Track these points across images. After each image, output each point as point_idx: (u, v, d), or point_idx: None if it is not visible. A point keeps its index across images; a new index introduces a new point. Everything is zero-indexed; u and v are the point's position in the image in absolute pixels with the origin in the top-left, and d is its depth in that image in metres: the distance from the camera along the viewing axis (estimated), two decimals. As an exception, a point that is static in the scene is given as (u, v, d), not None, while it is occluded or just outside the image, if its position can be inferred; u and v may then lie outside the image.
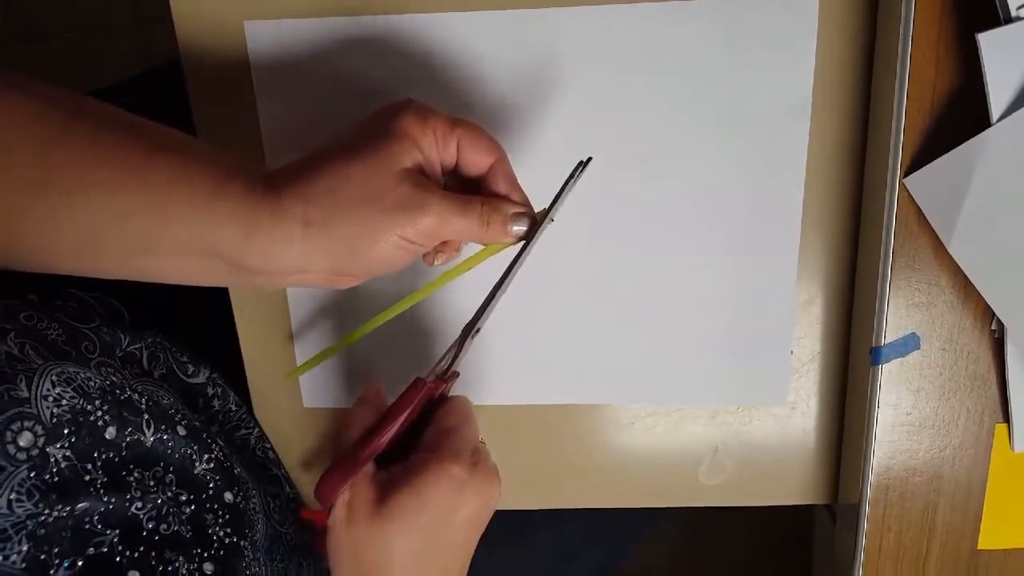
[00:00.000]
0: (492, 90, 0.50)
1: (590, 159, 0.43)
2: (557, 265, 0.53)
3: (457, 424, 0.41)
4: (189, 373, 0.55)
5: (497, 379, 0.56)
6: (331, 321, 0.56)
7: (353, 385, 0.57)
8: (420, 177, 0.37)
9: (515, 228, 0.40)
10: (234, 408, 0.57)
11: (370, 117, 0.39)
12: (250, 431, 0.58)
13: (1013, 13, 0.41)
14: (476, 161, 0.40)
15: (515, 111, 0.51)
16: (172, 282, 0.40)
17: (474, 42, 0.49)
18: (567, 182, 0.43)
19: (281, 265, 0.37)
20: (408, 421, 0.41)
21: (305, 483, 0.60)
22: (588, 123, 0.50)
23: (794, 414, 0.55)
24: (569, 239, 0.53)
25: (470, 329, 0.44)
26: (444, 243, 0.42)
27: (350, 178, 0.36)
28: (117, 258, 0.38)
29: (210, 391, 0.56)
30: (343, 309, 0.55)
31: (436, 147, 0.38)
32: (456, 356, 0.44)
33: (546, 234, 0.42)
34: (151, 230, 0.36)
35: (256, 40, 0.50)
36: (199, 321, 0.57)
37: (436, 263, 0.43)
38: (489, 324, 0.54)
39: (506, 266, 0.42)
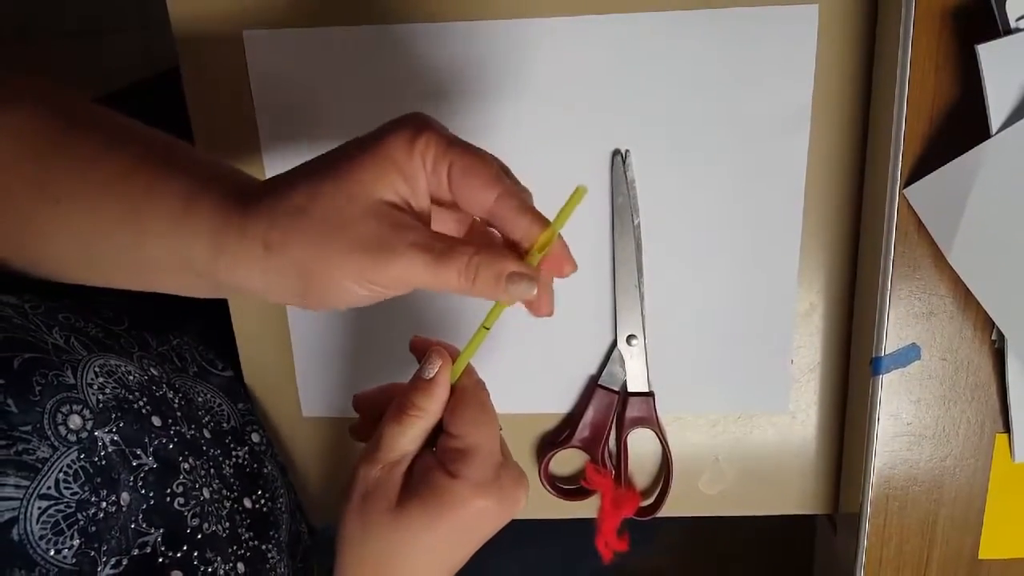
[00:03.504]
0: (495, 100, 0.50)
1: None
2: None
3: (478, 443, 0.37)
4: (220, 368, 0.56)
5: (493, 387, 0.56)
6: (330, 331, 0.56)
7: (351, 394, 0.57)
8: (396, 213, 0.32)
9: (512, 289, 0.33)
10: None
11: (374, 130, 0.35)
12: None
13: (1012, 25, 0.41)
14: (470, 197, 0.33)
15: (516, 121, 0.51)
16: (171, 292, 0.39)
17: (476, 51, 0.49)
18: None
19: (249, 284, 0.34)
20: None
21: (302, 490, 0.60)
22: (589, 132, 0.51)
23: (794, 423, 0.55)
24: (569, 248, 0.52)
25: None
26: None
27: (318, 202, 0.32)
28: (112, 269, 0.37)
29: (240, 389, 0.56)
30: (344, 319, 0.55)
31: (425, 174, 0.33)
32: None
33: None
34: (131, 242, 0.35)
35: (255, 50, 0.50)
36: (223, 323, 0.57)
37: None
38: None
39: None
